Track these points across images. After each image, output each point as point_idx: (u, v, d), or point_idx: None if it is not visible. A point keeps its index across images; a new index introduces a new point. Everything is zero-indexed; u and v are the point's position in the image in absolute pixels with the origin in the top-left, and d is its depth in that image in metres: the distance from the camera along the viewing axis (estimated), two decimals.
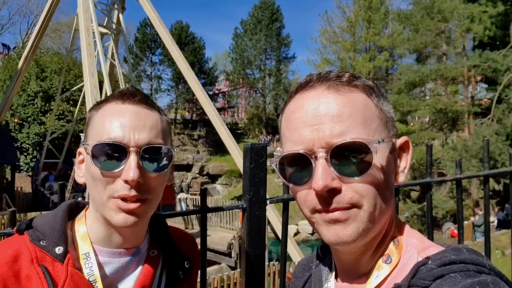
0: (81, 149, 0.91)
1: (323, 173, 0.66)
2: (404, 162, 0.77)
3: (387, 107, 0.75)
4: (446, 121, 22.16)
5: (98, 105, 0.90)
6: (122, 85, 16.91)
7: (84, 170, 0.89)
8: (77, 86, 23.92)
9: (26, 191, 23.71)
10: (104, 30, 19.29)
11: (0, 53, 42.11)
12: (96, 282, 0.83)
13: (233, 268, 13.24)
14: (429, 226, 1.46)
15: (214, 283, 9.36)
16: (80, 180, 0.91)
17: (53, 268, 0.81)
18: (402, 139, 0.76)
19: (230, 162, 28.55)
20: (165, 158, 0.88)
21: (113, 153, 0.82)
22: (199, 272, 1.19)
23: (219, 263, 14.40)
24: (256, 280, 1.26)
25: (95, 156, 0.83)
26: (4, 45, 43.32)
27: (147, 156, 0.84)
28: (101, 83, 16.50)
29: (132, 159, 0.81)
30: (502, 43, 19.03)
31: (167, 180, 0.92)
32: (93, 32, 15.76)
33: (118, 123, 0.84)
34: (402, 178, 0.76)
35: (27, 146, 26.30)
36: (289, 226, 1.42)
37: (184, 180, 32.22)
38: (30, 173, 26.58)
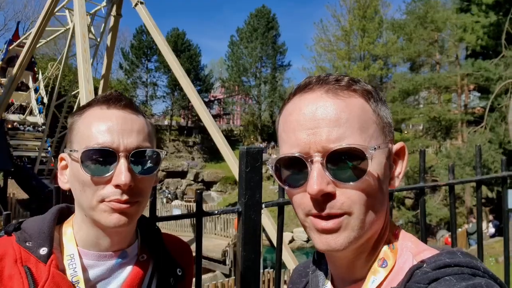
0: (63, 155, 0.90)
1: (318, 178, 0.66)
2: (400, 168, 0.77)
3: (385, 112, 0.74)
4: (439, 129, 22.35)
5: (80, 110, 0.89)
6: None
7: (68, 176, 0.89)
8: (73, 92, 23.82)
9: (19, 198, 23.44)
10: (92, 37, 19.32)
11: None
12: (78, 283, 0.83)
13: (227, 276, 13.15)
14: (423, 230, 1.47)
15: None
16: (65, 186, 0.90)
17: (37, 268, 0.81)
18: (398, 145, 0.77)
19: (225, 169, 28.51)
20: (153, 161, 0.89)
21: (102, 158, 0.82)
22: (193, 281, 1.18)
23: (214, 271, 14.30)
24: (252, 284, 1.26)
25: (84, 161, 0.82)
26: None
27: (136, 160, 0.85)
28: (96, 89, 16.47)
29: (122, 163, 0.82)
30: (494, 53, 19.29)
31: (153, 182, 0.93)
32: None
33: (106, 128, 0.84)
34: (396, 183, 0.76)
35: None
36: (284, 233, 1.42)
37: (178, 187, 32.09)
38: None
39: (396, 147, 0.76)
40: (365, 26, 28.28)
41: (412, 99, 24.96)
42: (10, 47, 24.37)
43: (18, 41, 23.99)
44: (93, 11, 19.17)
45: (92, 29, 19.35)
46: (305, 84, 0.74)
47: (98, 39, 20.41)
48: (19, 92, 25.85)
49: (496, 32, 18.79)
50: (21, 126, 25.33)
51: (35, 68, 27.20)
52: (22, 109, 26.04)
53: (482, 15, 19.08)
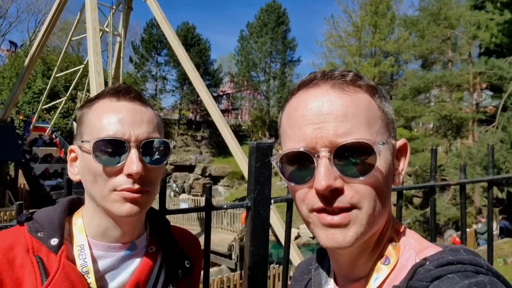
0: (73, 147, 0.91)
1: (326, 173, 0.65)
2: (402, 164, 0.77)
3: (388, 108, 0.74)
4: (450, 127, 22.07)
5: (89, 102, 0.91)
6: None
7: (79, 167, 0.90)
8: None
9: (29, 189, 23.81)
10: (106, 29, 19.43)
11: (7, 51, 42.42)
12: (88, 273, 0.85)
13: (233, 270, 13.24)
14: (432, 229, 1.46)
15: (214, 285, 9.37)
16: (75, 178, 0.92)
17: (48, 259, 0.83)
18: (401, 142, 0.76)
19: (232, 164, 28.57)
20: (163, 151, 0.90)
21: (114, 149, 0.84)
22: (201, 273, 1.19)
23: (219, 265, 14.40)
24: (259, 279, 1.26)
25: (96, 152, 0.84)
26: (11, 42, 43.61)
27: (146, 150, 0.87)
28: (106, 83, 16.62)
29: (134, 153, 0.84)
30: (508, 51, 18.92)
31: (162, 174, 0.95)
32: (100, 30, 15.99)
33: (117, 119, 0.85)
34: (399, 179, 0.76)
35: None
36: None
37: (186, 181, 32.27)
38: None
39: (399, 143, 0.76)
40: (377, 22, 27.94)
41: (423, 97, 24.63)
42: (31, 129, 24.32)
43: (33, 122, 23.95)
44: (114, 9, 19.29)
45: (113, 25, 19.49)
46: (310, 79, 0.74)
47: (117, 33, 20.40)
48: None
49: (510, 30, 18.43)
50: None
51: (59, 144, 27.24)
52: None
53: (497, 13, 18.71)
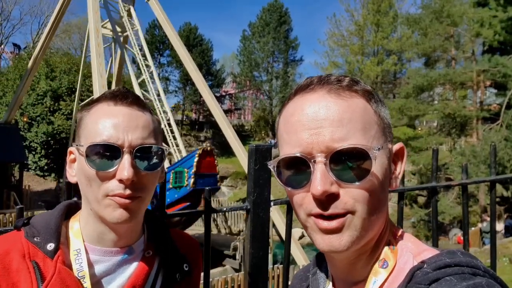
0: (72, 148, 0.92)
1: (322, 178, 0.65)
2: (399, 168, 0.77)
3: (385, 113, 0.75)
4: (454, 126, 21.97)
5: (88, 105, 0.92)
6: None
7: (76, 169, 0.91)
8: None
9: (34, 190, 23.94)
10: (118, 29, 19.49)
11: (11, 53, 42.73)
12: (84, 277, 0.85)
13: (237, 270, 13.24)
14: (434, 231, 1.45)
15: (218, 285, 9.37)
16: (73, 179, 0.92)
17: (44, 264, 0.83)
18: (398, 146, 0.77)
19: (236, 164, 28.60)
20: (157, 157, 0.90)
21: (107, 153, 0.84)
22: (202, 276, 1.19)
23: (223, 265, 14.42)
24: (259, 282, 1.26)
25: (89, 156, 0.84)
26: (15, 45, 43.93)
27: (140, 155, 0.87)
28: (109, 83, 16.71)
29: (126, 159, 0.84)
30: None
31: (159, 178, 0.94)
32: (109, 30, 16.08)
33: (112, 124, 0.86)
34: (396, 183, 0.77)
35: (36, 145, 26.58)
36: (294, 229, 1.42)
37: None
38: (38, 172, 26.79)
39: (395, 147, 0.76)
40: (379, 21, 27.84)
41: (426, 95, 24.53)
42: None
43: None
44: (126, 7, 19.36)
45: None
46: (307, 84, 0.74)
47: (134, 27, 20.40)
48: None
49: None
50: None
51: None
52: None
53: (500, 10, 18.61)
